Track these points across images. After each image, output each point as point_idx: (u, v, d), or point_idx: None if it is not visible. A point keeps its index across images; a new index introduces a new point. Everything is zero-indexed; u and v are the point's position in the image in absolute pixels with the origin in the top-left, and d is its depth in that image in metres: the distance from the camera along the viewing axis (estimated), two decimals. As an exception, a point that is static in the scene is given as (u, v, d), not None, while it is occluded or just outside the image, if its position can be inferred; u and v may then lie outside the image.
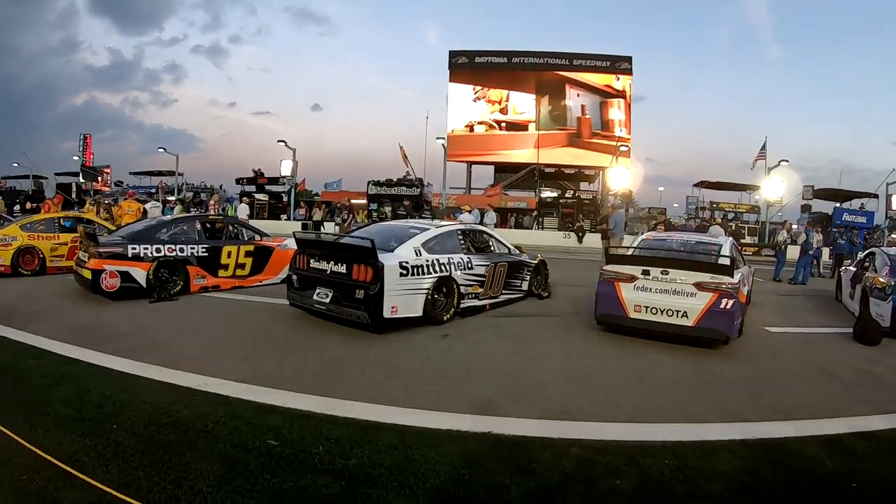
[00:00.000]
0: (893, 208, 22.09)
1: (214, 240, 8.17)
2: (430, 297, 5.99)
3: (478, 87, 40.54)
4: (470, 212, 13.91)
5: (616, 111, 37.96)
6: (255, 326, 5.86)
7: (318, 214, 17.97)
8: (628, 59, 38.51)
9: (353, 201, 29.75)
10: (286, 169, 21.25)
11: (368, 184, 25.39)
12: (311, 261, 6.08)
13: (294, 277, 6.25)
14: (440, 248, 6.46)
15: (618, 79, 38.84)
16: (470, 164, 31.05)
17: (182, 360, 4.48)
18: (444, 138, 27.63)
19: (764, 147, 29.35)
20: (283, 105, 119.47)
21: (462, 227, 7.22)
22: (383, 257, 5.53)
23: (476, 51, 41.71)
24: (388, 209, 22.57)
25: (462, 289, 6.54)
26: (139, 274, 7.08)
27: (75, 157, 33.99)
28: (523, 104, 39.91)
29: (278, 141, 21.41)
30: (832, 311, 8.91)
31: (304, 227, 19.55)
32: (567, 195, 23.78)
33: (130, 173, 41.06)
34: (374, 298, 5.38)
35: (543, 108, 39.42)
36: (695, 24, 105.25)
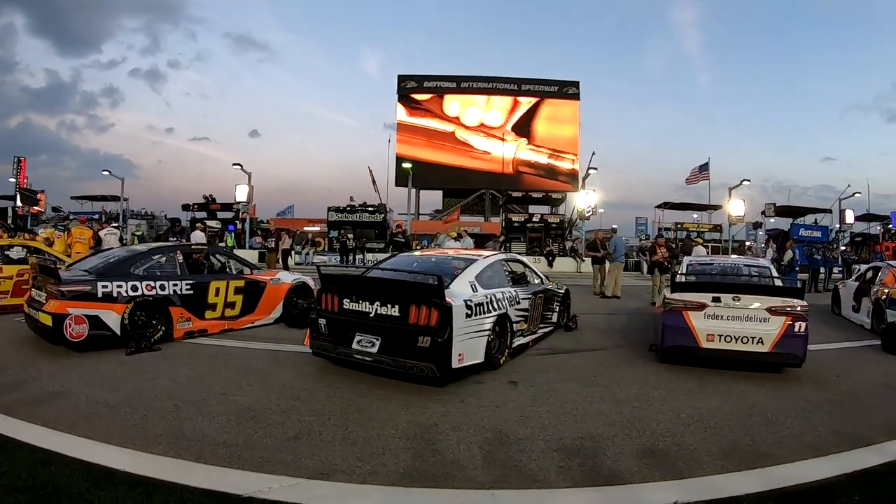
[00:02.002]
0: (847, 222, 24.04)
1: (199, 274, 6.85)
2: (490, 339, 5.12)
3: (427, 108, 40.51)
4: (457, 238, 13.07)
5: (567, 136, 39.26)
6: (279, 386, 4.69)
7: (286, 242, 16.50)
8: (576, 84, 40.04)
9: (307, 228, 28.40)
10: (241, 194, 19.51)
11: (328, 210, 24.00)
12: (345, 301, 5.03)
13: (322, 322, 5.15)
14: (490, 281, 5.65)
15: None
16: (419, 189, 30.61)
17: (208, 448, 3.31)
18: (410, 164, 26.87)
19: (707, 167, 31.11)
20: (221, 131, 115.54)
21: (504, 256, 6.44)
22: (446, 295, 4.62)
23: (425, 75, 41.92)
24: (350, 236, 21.27)
25: (514, 326, 5.72)
26: (112, 318, 5.66)
27: (11, 180, 30.02)
28: (473, 118, 40.37)
29: (233, 164, 19.74)
30: (839, 324, 9.05)
31: (262, 256, 17.99)
32: (534, 219, 23.63)
33: (72, 198, 37.13)
34: (443, 346, 4.43)
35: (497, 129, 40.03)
36: (627, 55, 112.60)
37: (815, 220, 23.74)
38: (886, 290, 7.83)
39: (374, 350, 4.70)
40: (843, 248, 20.65)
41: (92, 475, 2.85)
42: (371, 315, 4.81)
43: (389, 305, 4.70)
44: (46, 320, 5.40)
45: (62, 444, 3.27)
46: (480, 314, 4.99)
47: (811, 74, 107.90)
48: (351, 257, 20.65)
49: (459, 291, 4.92)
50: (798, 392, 4.92)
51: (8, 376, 4.72)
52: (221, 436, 3.50)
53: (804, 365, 5.45)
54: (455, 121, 40.04)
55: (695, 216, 32.41)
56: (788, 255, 11.96)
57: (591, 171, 20.11)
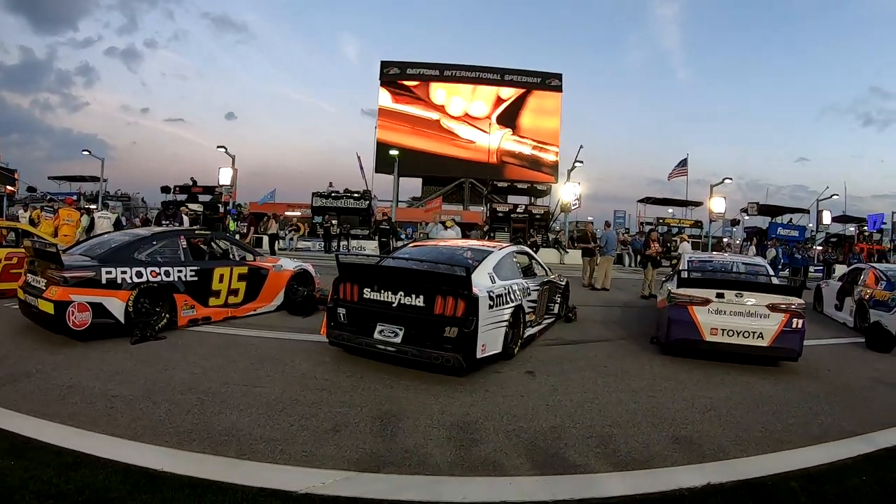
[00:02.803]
0: (824, 223, 24.98)
1: (203, 260, 6.67)
2: (507, 329, 5.17)
3: (414, 95, 40.13)
4: (452, 227, 13.04)
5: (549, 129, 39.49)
6: (300, 376, 4.64)
7: (272, 227, 16.16)
8: (558, 76, 40.18)
9: (288, 213, 27.86)
10: (225, 178, 18.94)
11: (313, 195, 23.58)
12: (366, 290, 4.99)
13: (341, 311, 5.11)
14: (506, 272, 5.70)
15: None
16: (398, 176, 30.34)
17: (247, 443, 3.23)
18: (397, 151, 26.57)
19: (685, 163, 31.78)
20: (197, 113, 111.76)
21: (514, 248, 6.48)
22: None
23: (408, 62, 41.41)
24: (335, 222, 20.99)
25: (525, 317, 5.80)
26: (116, 306, 5.46)
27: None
28: (458, 107, 40.17)
29: (217, 147, 19.13)
30: (823, 322, 9.46)
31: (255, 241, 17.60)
32: (519, 210, 23.76)
33: (49, 178, 35.20)
34: (470, 337, 4.47)
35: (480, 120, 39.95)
36: (606, 49, 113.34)
37: (791, 219, 24.59)
38: (869, 291, 8.27)
39: (398, 340, 4.69)
40: (818, 247, 21.41)
41: (131, 478, 2.71)
42: (394, 305, 4.79)
43: (414, 295, 4.69)
44: (47, 308, 5.17)
45: (89, 443, 3.09)
46: (500, 305, 5.04)
47: (790, 75, 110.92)
48: (335, 243, 20.42)
49: (481, 283, 4.94)
50: (797, 385, 5.18)
51: (9, 369, 4.43)
52: (256, 430, 3.41)
53: (798, 359, 5.72)
54: (440, 109, 39.77)
55: (670, 210, 33.17)
56: (772, 253, 12.38)
57: (577, 164, 20.35)
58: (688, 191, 32.50)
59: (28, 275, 5.76)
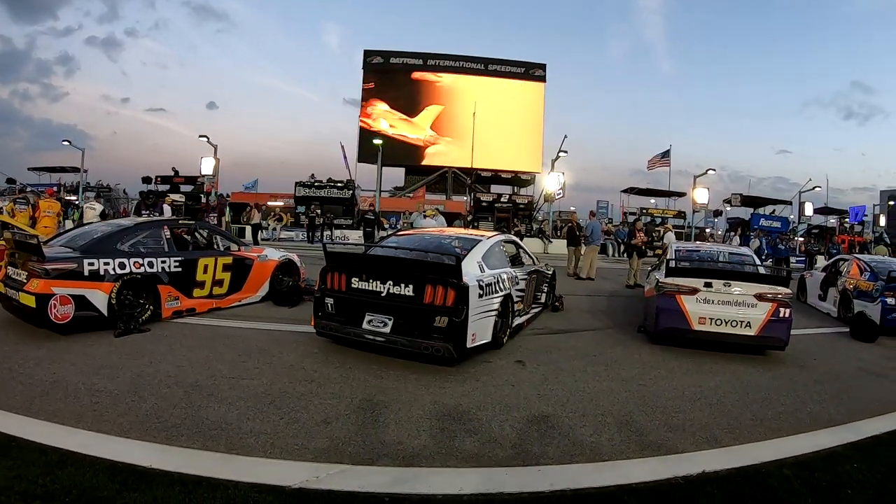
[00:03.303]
0: (806, 214, 25.46)
1: (187, 251, 6.53)
2: (497, 319, 5.17)
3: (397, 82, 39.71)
4: (434, 217, 13.03)
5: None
6: (288, 368, 4.58)
7: (255, 217, 15.88)
8: (542, 67, 40.06)
9: (271, 203, 27.43)
10: (207, 167, 18.50)
11: (296, 185, 23.25)
12: (354, 280, 4.94)
13: (329, 301, 5.05)
14: (494, 262, 5.69)
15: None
16: (381, 165, 30.10)
17: (236, 437, 3.16)
18: (381, 140, 26.29)
19: (668, 154, 32.06)
20: (178, 102, 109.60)
21: (502, 237, 6.46)
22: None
23: (392, 51, 40.95)
24: (319, 212, 20.75)
25: (514, 306, 5.81)
26: (99, 298, 5.31)
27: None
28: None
29: (200, 136, 18.60)
30: (807, 312, 9.62)
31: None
32: (502, 199, 23.77)
33: (29, 169, 34.11)
34: (460, 326, 4.45)
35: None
36: (589, 39, 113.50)
37: (774, 210, 25.01)
38: (853, 282, 8.43)
39: (387, 330, 4.66)
40: (799, 238, 21.82)
41: (119, 475, 2.60)
42: (382, 294, 4.75)
43: (403, 285, 4.66)
44: (28, 301, 4.99)
45: (75, 440, 2.97)
46: (490, 294, 5.04)
47: (773, 67, 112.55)
48: (319, 233, 20.22)
49: (471, 272, 4.92)
50: (784, 373, 5.28)
51: None
52: (246, 423, 3.35)
53: (785, 349, 5.82)
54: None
55: (652, 201, 33.41)
56: (755, 243, 12.56)
57: (561, 154, 20.41)
58: (670, 181, 32.87)
59: (9, 267, 5.56)
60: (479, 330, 4.81)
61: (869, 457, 3.34)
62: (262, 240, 18.47)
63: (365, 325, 4.77)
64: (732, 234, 22.24)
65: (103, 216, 11.04)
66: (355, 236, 19.55)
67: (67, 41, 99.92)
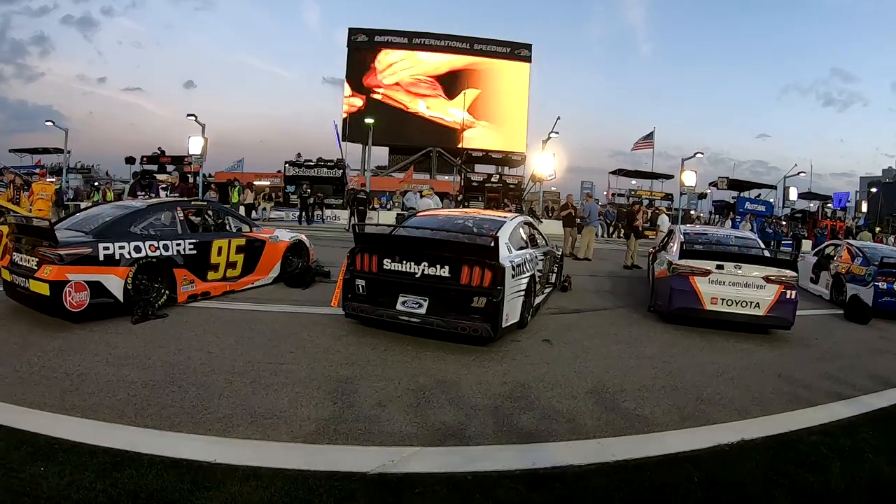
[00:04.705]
0: (790, 199, 26.11)
1: (199, 232, 6.38)
2: (525, 299, 5.24)
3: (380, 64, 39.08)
4: (430, 196, 12.96)
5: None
6: (324, 351, 4.54)
7: (248, 197, 15.49)
8: (528, 47, 39.84)
9: (257, 183, 26.80)
10: (195, 147, 17.84)
11: (286, 164, 22.77)
12: (385, 261, 4.91)
13: (360, 283, 5.02)
14: (518, 242, 5.73)
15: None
16: (371, 145, 29.64)
17: (296, 425, 3.08)
18: (372, 119, 25.83)
19: (652, 136, 32.37)
20: (155, 82, 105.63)
21: (522, 219, 6.48)
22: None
23: (376, 29, 40.25)
24: (310, 191, 20.40)
25: (536, 286, 5.89)
26: (114, 283, 5.13)
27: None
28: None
29: (188, 115, 17.90)
30: (801, 295, 9.84)
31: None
32: (493, 179, 23.76)
33: (11, 151, 32.55)
34: (497, 306, 4.50)
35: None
36: (572, 21, 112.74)
37: (759, 194, 25.56)
38: (846, 266, 8.81)
39: (422, 311, 4.67)
40: (783, 222, 22.42)
41: (185, 473, 2.44)
42: (417, 276, 4.74)
43: (438, 266, 4.65)
44: (41, 289, 4.77)
45: (124, 438, 2.76)
46: (520, 275, 5.10)
47: (753, 52, 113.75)
48: (310, 213, 19.91)
49: (503, 252, 4.95)
50: (791, 351, 5.57)
51: (4, 358, 3.95)
52: (300, 410, 3.26)
53: (790, 328, 6.08)
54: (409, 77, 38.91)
55: (633, 182, 33.69)
56: (746, 227, 12.85)
57: (552, 135, 20.43)
58: (653, 163, 33.25)
59: (14, 254, 5.33)
60: (511, 310, 4.87)
61: (881, 426, 3.61)
62: (254, 219, 18.13)
63: (399, 307, 4.77)
64: (723, 217, 22.68)
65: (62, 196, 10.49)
66: (345, 216, 19.34)
67: (43, 21, 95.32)
